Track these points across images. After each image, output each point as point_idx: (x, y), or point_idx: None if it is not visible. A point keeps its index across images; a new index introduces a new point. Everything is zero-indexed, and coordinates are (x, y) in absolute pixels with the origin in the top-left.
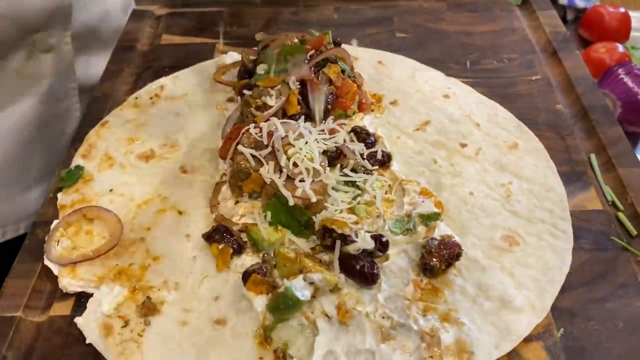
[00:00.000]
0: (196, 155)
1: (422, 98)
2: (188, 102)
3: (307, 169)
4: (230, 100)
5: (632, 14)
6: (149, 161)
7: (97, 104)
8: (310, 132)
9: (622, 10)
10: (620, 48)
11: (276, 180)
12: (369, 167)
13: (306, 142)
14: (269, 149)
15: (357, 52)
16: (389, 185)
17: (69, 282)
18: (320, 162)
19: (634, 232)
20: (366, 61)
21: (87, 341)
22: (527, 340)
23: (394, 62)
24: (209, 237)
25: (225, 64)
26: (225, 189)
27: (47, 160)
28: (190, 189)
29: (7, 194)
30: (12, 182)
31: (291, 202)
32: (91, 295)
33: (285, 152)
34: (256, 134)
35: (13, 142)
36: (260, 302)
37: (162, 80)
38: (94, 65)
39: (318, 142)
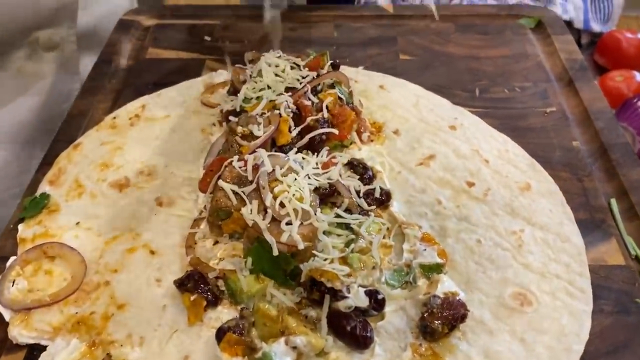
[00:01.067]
0: (174, 185)
1: (426, 128)
2: (171, 124)
3: (295, 210)
4: (218, 123)
5: None
6: (123, 190)
7: (71, 123)
8: (302, 167)
9: (639, 36)
10: (638, 77)
11: (259, 223)
12: (366, 207)
13: (295, 179)
14: (254, 185)
15: (356, 75)
16: (387, 229)
17: (19, 333)
18: (311, 201)
19: None
20: (366, 85)
21: None
22: None
23: (397, 87)
24: (181, 285)
25: (214, 83)
26: (203, 227)
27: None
28: (165, 225)
29: (6, 195)
30: (12, 184)
31: (275, 251)
32: (44, 348)
33: (272, 190)
34: (240, 167)
35: (13, 143)
36: None
37: (144, 99)
38: None
39: (309, 178)
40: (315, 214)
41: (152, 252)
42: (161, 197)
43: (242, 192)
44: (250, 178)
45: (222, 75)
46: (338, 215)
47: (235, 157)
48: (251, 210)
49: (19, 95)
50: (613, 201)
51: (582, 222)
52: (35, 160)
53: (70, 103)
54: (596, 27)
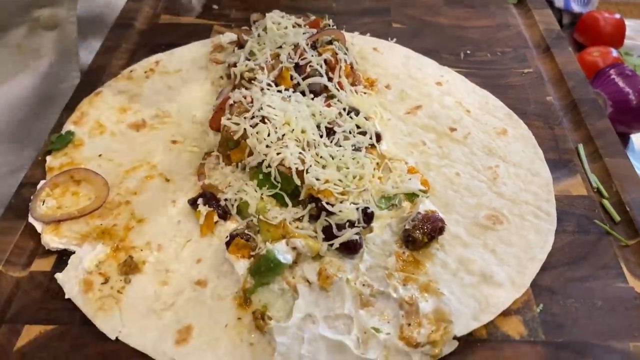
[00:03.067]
0: (187, 127)
1: (414, 84)
2: (182, 77)
3: (298, 140)
4: (226, 77)
5: (627, 21)
6: (140, 130)
7: (91, 75)
8: (307, 106)
9: (617, 16)
10: (614, 52)
11: (262, 150)
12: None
13: (299, 112)
14: (256, 119)
15: (352, 39)
16: (377, 164)
17: (51, 239)
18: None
19: (618, 218)
20: (361, 47)
21: (67, 296)
22: (506, 314)
23: (389, 50)
24: (194, 203)
25: (222, 43)
26: (214, 158)
27: (42, 140)
28: (179, 159)
29: (4, 169)
30: (7, 160)
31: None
32: (73, 253)
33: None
34: (244, 98)
35: (10, 119)
36: (242, 265)
37: (158, 56)
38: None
39: (314, 117)
40: (316, 146)
41: (167, 180)
42: (175, 136)
43: (247, 121)
44: (250, 109)
45: (229, 36)
46: (338, 145)
47: (236, 90)
48: (257, 138)
49: (19, 71)
50: (580, 146)
51: (551, 162)
52: (31, 139)
53: (68, 84)
54: (576, 7)
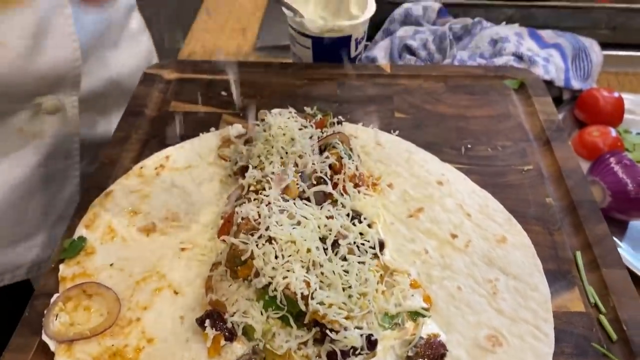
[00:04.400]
0: (197, 232)
1: (416, 183)
2: (192, 174)
3: (302, 261)
4: (234, 174)
5: (625, 96)
6: (150, 235)
7: (102, 171)
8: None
9: (616, 94)
10: (613, 132)
11: (268, 272)
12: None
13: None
14: (264, 236)
15: (356, 131)
16: (380, 275)
17: None
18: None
19: (614, 337)
20: (365, 141)
21: None
22: None
23: (391, 144)
24: (201, 323)
25: (229, 136)
26: (221, 270)
27: (41, 215)
28: (187, 267)
29: (5, 242)
30: (6, 235)
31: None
32: None
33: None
34: (251, 216)
35: (9, 196)
36: None
37: (168, 150)
38: (99, 125)
39: (320, 229)
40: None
41: (176, 292)
42: (184, 242)
43: (253, 241)
44: (258, 227)
45: (237, 129)
46: (343, 258)
47: (245, 206)
48: (263, 260)
49: (19, 151)
50: (578, 254)
51: (550, 272)
52: (29, 214)
53: (69, 162)
54: (576, 84)
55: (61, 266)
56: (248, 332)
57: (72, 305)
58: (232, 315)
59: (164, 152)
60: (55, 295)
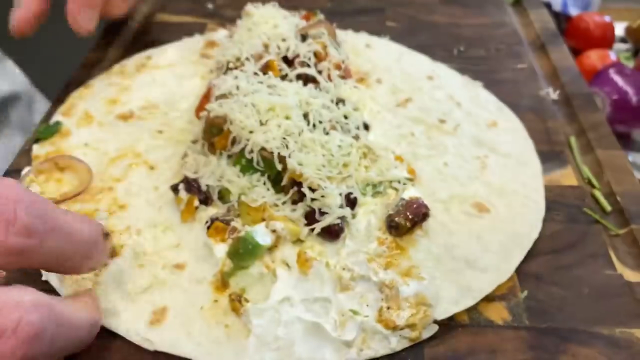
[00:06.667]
0: (173, 117)
1: (406, 78)
2: (173, 72)
3: (279, 125)
4: (216, 71)
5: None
6: (128, 120)
7: (84, 70)
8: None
9: (607, 18)
10: (612, 55)
11: (245, 135)
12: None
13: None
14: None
15: (345, 36)
16: (364, 153)
17: None
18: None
19: (609, 208)
20: (354, 43)
21: (44, 278)
22: (490, 300)
23: (382, 46)
24: (175, 189)
25: (213, 40)
26: (199, 146)
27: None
28: (164, 148)
29: None
30: None
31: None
32: None
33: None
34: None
35: None
36: (220, 248)
37: (150, 51)
38: None
39: (301, 105)
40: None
41: (152, 168)
42: (162, 126)
43: (232, 107)
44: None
45: (222, 33)
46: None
47: (222, 77)
48: (241, 125)
49: None
50: (572, 138)
51: (542, 153)
52: None
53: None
54: (574, 12)
55: (35, 146)
56: (224, 195)
57: (43, 178)
58: (208, 179)
59: (146, 52)
60: (27, 168)
